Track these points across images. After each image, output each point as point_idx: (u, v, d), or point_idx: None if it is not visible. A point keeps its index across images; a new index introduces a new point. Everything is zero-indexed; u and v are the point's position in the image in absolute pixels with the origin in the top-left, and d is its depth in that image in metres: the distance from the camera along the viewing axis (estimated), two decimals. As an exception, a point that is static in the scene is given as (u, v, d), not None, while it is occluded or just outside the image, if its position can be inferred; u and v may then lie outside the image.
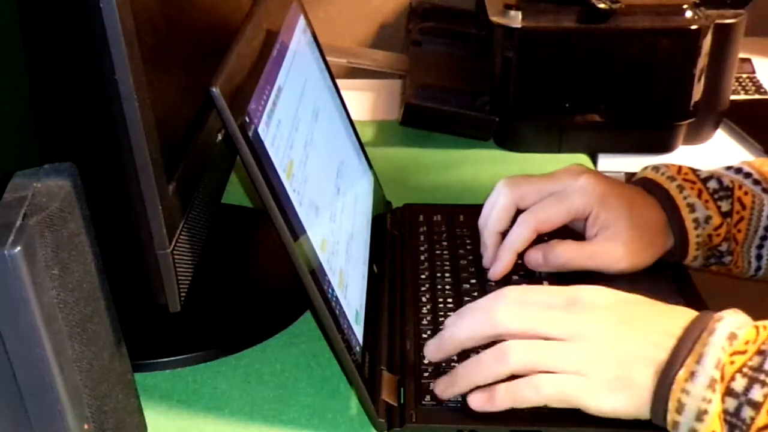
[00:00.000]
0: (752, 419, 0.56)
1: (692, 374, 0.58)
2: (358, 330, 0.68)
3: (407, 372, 0.69)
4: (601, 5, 1.00)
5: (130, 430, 0.60)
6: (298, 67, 0.76)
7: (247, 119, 0.60)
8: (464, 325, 0.64)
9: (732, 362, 0.58)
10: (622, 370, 0.60)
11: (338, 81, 0.87)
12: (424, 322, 0.74)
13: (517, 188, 0.78)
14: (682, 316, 0.61)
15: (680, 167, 0.79)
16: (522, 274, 0.79)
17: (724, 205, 0.77)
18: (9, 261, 0.46)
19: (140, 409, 0.63)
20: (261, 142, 0.61)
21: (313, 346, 0.75)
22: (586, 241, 0.77)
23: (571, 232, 0.79)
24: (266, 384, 0.71)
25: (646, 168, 0.82)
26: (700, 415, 0.57)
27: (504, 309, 0.63)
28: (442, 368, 0.68)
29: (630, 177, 0.84)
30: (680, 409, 0.58)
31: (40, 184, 0.51)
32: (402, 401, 0.66)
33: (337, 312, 0.64)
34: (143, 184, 0.61)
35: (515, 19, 1.01)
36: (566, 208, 0.76)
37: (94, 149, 0.63)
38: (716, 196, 0.77)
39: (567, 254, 0.76)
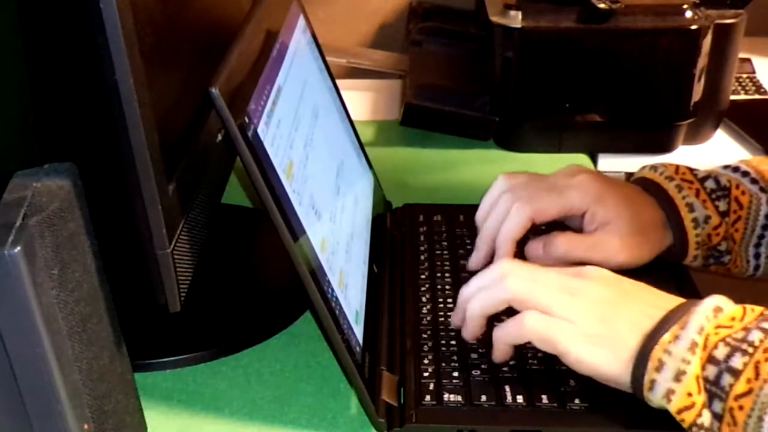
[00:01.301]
0: (731, 386, 0.58)
1: (676, 337, 0.60)
2: (358, 330, 0.68)
3: (407, 372, 0.69)
4: (601, 5, 1.00)
5: (130, 430, 0.60)
6: (298, 67, 0.76)
7: (246, 119, 0.60)
8: (481, 300, 0.67)
9: (716, 333, 0.59)
10: (609, 330, 0.62)
11: (338, 81, 0.87)
12: (424, 322, 0.74)
13: (517, 193, 0.78)
14: (676, 298, 0.64)
15: (678, 167, 0.79)
16: None
17: (722, 205, 0.77)
18: (9, 261, 0.46)
19: (140, 409, 0.63)
20: (260, 142, 0.61)
21: (313, 346, 0.75)
22: (586, 234, 0.77)
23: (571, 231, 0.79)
24: (266, 384, 0.71)
25: (643, 168, 0.82)
26: (678, 376, 0.59)
27: (512, 266, 0.67)
28: (442, 368, 0.68)
29: (630, 177, 0.84)
30: (659, 368, 0.59)
31: (40, 184, 0.51)
32: (402, 401, 0.66)
33: (337, 312, 0.64)
34: (143, 184, 0.61)
35: (515, 19, 1.01)
36: (561, 201, 0.76)
37: (94, 149, 0.63)
38: (713, 196, 0.77)
39: (566, 245, 0.76)
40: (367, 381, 0.65)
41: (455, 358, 0.70)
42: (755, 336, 0.58)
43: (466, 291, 0.69)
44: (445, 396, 0.66)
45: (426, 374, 0.68)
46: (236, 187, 0.96)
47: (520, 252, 0.78)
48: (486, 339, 0.71)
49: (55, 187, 0.52)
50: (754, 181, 0.78)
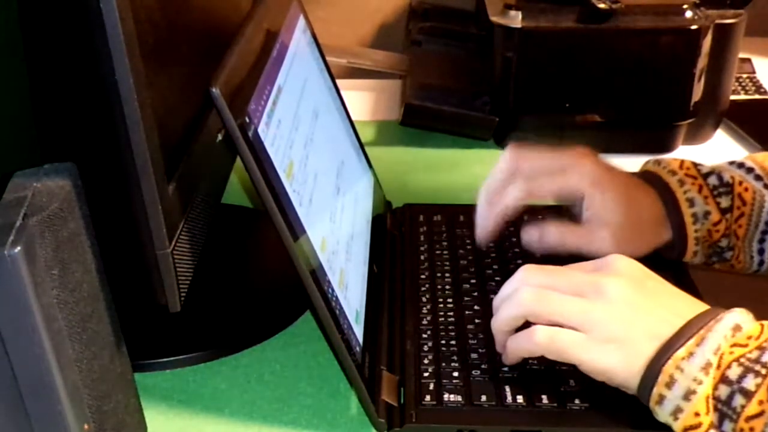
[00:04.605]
0: (743, 407, 0.57)
1: (690, 354, 0.59)
2: (358, 330, 0.68)
3: (407, 372, 0.69)
4: (601, 5, 1.00)
5: (130, 430, 0.60)
6: (298, 67, 0.76)
7: (247, 119, 0.60)
8: (500, 316, 0.66)
9: (731, 352, 0.59)
10: (626, 334, 0.61)
11: (338, 81, 0.87)
12: (424, 322, 0.74)
13: (520, 153, 0.78)
14: (698, 305, 0.63)
15: (682, 162, 0.79)
16: (520, 262, 0.79)
17: (724, 201, 0.77)
18: (9, 261, 0.46)
19: (140, 409, 0.63)
20: (261, 142, 0.61)
21: (313, 346, 0.75)
22: (580, 225, 0.77)
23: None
24: (266, 384, 0.71)
25: (648, 162, 0.82)
26: (688, 395, 0.59)
27: (529, 274, 0.66)
28: (442, 368, 0.68)
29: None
30: (670, 384, 0.59)
31: (40, 184, 0.51)
32: (402, 401, 0.66)
33: (337, 312, 0.64)
34: (143, 184, 0.61)
35: (515, 19, 1.01)
36: (560, 182, 0.77)
37: (94, 149, 0.63)
38: (715, 193, 0.77)
39: (560, 235, 0.77)
40: (367, 381, 0.65)
41: (455, 358, 0.70)
42: None
43: (494, 301, 0.68)
44: (445, 396, 0.66)
45: (426, 374, 0.68)
46: (236, 187, 0.96)
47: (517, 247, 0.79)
48: (486, 339, 0.71)
49: (55, 187, 0.52)
50: (758, 177, 0.78)
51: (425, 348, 0.71)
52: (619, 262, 0.65)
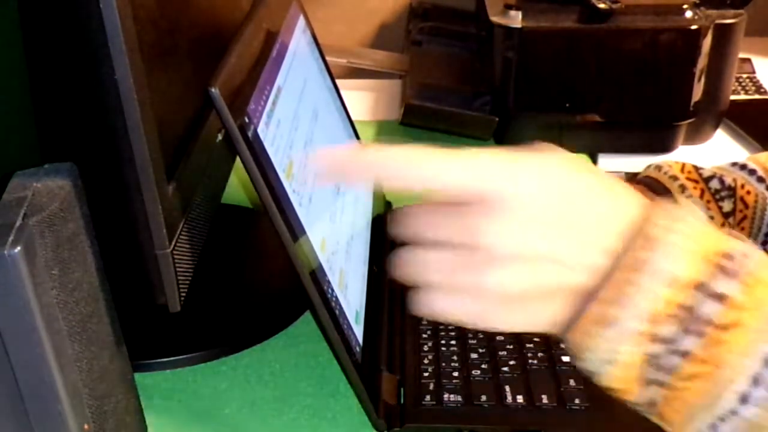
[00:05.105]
0: (678, 368, 0.47)
1: (614, 320, 0.47)
2: (358, 330, 0.68)
3: (407, 372, 0.69)
4: (601, 5, 1.00)
5: (130, 430, 0.60)
6: (298, 67, 0.76)
7: (246, 119, 0.60)
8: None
9: (667, 304, 0.46)
10: (533, 293, 0.48)
11: (338, 81, 0.87)
12: (424, 322, 0.74)
13: None
14: (624, 216, 0.48)
15: (684, 165, 0.79)
16: None
17: (726, 205, 0.77)
18: (9, 261, 0.46)
19: (140, 409, 0.63)
20: (260, 142, 0.61)
21: (313, 346, 0.75)
22: None
23: None
24: (266, 384, 0.71)
25: (649, 166, 0.82)
26: (610, 362, 0.48)
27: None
28: (442, 368, 0.68)
29: (630, 177, 0.84)
30: (589, 348, 0.48)
31: (40, 184, 0.51)
32: (402, 401, 0.66)
33: (337, 312, 0.64)
34: (143, 184, 0.61)
35: (515, 19, 1.01)
36: None
37: (94, 149, 0.63)
38: (717, 196, 0.77)
39: None
40: (367, 381, 0.65)
41: (455, 358, 0.70)
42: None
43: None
44: (445, 396, 0.66)
45: (426, 374, 0.68)
46: (236, 187, 0.96)
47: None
48: (486, 339, 0.71)
49: (55, 187, 0.52)
50: (760, 179, 0.78)
51: (425, 348, 0.71)
52: (524, 192, 0.47)
